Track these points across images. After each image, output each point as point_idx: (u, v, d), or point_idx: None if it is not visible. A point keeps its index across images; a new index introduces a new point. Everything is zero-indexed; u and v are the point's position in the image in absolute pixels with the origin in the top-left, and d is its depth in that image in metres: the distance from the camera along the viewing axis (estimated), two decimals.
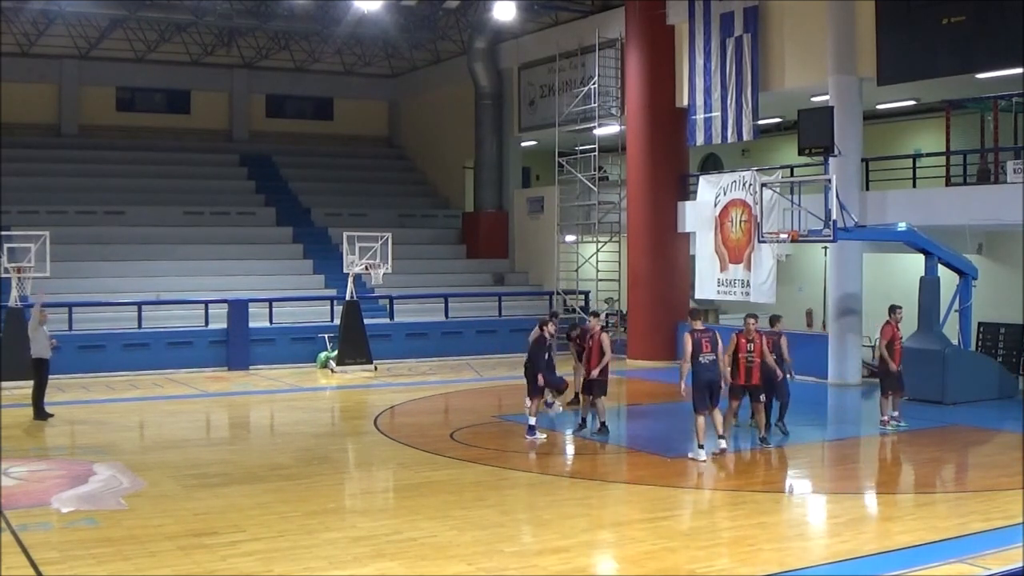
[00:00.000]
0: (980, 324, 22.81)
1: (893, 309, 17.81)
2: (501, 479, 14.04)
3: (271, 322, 27.10)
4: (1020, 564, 9.82)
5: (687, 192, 27.69)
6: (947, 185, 23.43)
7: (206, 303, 26.80)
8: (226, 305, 26.31)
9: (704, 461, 14.66)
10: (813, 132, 19.96)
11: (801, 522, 12.37)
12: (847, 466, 15.84)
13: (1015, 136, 24.06)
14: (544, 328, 16.85)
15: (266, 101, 40.06)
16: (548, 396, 19.67)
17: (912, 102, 26.32)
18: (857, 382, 22.84)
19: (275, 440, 18.24)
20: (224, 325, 26.11)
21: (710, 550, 10.74)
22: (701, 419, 14.81)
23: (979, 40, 20.51)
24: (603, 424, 16.72)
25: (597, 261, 29.70)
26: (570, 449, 16.52)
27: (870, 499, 13.39)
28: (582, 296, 29.92)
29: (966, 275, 21.03)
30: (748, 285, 23.82)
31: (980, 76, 21.51)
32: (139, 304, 26.35)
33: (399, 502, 13.18)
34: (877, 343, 18.35)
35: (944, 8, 20.94)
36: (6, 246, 23.69)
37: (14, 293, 22.94)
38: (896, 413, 17.57)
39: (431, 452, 15.55)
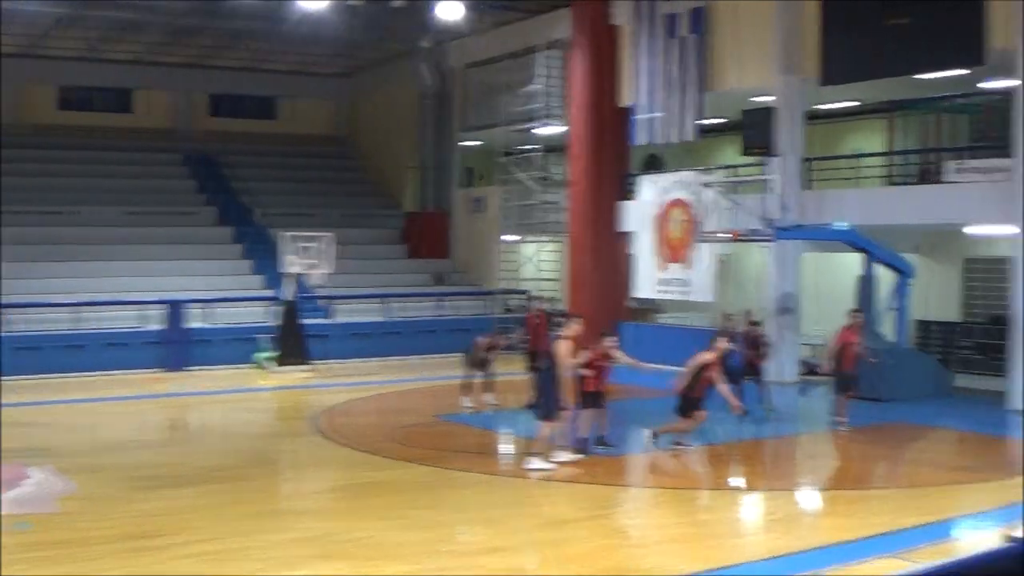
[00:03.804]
0: (917, 322, 23.15)
1: (852, 313, 18.02)
2: (444, 479, 13.99)
3: (209, 323, 26.82)
4: (951, 559, 9.96)
5: (629, 192, 27.79)
6: (890, 185, 23.74)
7: (144, 303, 26.47)
8: (164, 305, 26.02)
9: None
10: (755, 132, 20.12)
11: (737, 519, 12.48)
12: (784, 463, 16.01)
13: (957, 137, 24.43)
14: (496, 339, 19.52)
15: (211, 100, 39.56)
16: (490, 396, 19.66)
17: (856, 103, 26.57)
18: (794, 380, 23.07)
19: (215, 442, 18.02)
20: (162, 326, 25.83)
21: (648, 548, 10.85)
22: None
23: (922, 41, 20.57)
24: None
25: (538, 260, 29.68)
26: (511, 448, 16.51)
27: (805, 495, 13.53)
28: (523, 296, 29.90)
29: (903, 273, 21.34)
30: (687, 284, 23.95)
31: (922, 77, 21.59)
32: (75, 305, 25.95)
33: (342, 503, 13.10)
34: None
35: (888, 8, 21.07)
36: None
37: None
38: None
39: (373, 453, 15.47)
